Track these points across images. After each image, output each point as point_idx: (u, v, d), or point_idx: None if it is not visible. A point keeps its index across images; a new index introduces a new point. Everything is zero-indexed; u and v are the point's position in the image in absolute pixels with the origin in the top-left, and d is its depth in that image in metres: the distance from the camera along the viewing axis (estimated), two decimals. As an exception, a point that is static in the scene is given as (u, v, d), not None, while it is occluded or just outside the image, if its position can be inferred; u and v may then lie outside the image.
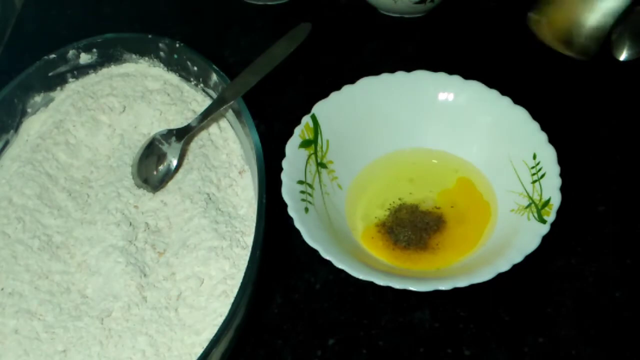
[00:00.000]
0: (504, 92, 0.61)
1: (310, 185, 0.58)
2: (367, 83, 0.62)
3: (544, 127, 0.58)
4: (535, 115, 0.59)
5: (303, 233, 0.53)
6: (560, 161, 0.56)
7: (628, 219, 0.62)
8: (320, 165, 0.60)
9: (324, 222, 0.57)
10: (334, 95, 0.62)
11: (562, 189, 0.55)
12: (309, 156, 0.60)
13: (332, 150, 0.61)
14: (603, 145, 0.67)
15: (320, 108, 0.61)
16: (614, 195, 0.63)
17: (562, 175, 0.56)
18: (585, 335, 0.55)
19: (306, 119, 0.60)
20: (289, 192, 0.56)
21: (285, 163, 0.57)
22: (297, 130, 0.60)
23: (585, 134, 0.68)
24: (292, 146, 0.59)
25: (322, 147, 0.61)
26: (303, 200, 0.56)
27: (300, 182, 0.58)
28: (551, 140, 0.57)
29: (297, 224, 0.54)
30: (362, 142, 0.63)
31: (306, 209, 0.56)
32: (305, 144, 0.60)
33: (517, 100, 0.60)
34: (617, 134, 0.67)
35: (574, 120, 0.68)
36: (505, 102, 0.60)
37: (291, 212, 0.54)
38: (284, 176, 0.57)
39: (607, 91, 0.71)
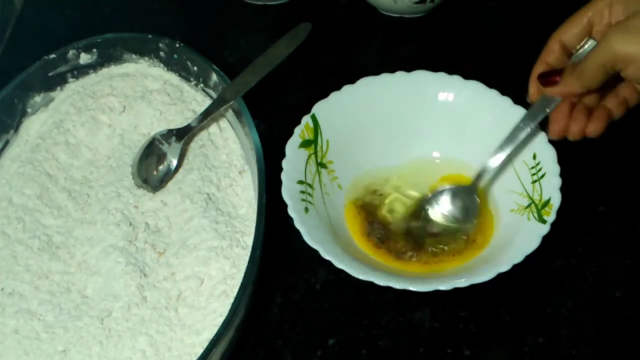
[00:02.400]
0: (503, 93, 0.61)
1: (310, 185, 0.58)
2: (367, 83, 0.62)
3: (544, 128, 0.58)
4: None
5: (303, 233, 0.53)
6: (560, 161, 0.56)
7: (628, 219, 0.62)
8: (320, 165, 0.60)
9: (324, 222, 0.57)
10: (334, 96, 0.62)
11: (562, 189, 0.55)
12: (309, 156, 0.59)
13: (332, 150, 0.61)
14: (603, 145, 0.67)
15: (320, 108, 0.61)
16: (614, 195, 0.63)
17: (562, 175, 0.56)
18: (585, 335, 0.55)
19: (306, 119, 0.60)
20: (289, 192, 0.56)
21: (285, 163, 0.57)
22: (297, 130, 0.60)
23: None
24: (292, 146, 0.59)
25: (322, 147, 0.61)
26: (303, 200, 0.56)
27: (300, 182, 0.57)
28: (551, 140, 0.57)
29: (297, 224, 0.54)
30: (362, 142, 0.63)
31: (306, 209, 0.56)
32: (305, 144, 0.60)
33: (517, 101, 0.60)
34: (617, 134, 0.67)
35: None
36: (505, 102, 0.60)
37: (291, 212, 0.54)
38: (284, 176, 0.57)
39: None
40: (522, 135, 0.56)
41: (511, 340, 0.56)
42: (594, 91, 0.53)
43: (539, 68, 0.55)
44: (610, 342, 0.55)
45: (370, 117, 0.63)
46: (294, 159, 0.58)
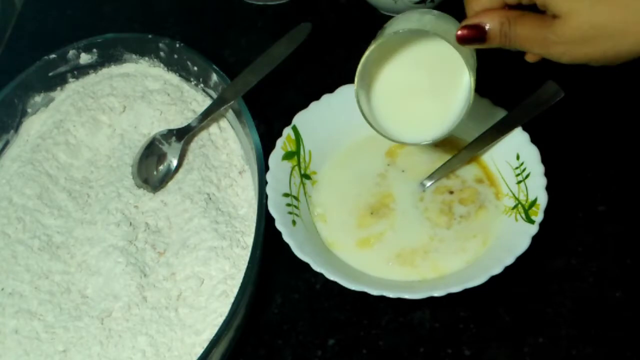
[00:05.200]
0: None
1: (296, 197, 0.57)
2: (346, 91, 0.61)
3: (526, 127, 0.58)
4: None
5: (292, 247, 0.52)
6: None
7: (628, 219, 0.62)
8: (304, 176, 0.59)
9: (311, 233, 0.56)
10: (313, 105, 0.61)
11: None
12: (293, 168, 0.59)
13: (314, 161, 0.60)
14: (603, 145, 0.67)
15: (300, 118, 0.60)
16: (614, 195, 0.63)
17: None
18: (585, 335, 0.55)
19: (287, 131, 0.59)
20: (274, 205, 0.55)
21: (269, 176, 0.56)
22: (279, 142, 0.59)
23: (585, 134, 0.67)
24: (275, 159, 0.58)
25: (304, 158, 0.60)
26: (290, 213, 0.56)
27: (286, 195, 0.57)
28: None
29: (286, 238, 0.53)
30: (344, 151, 0.61)
31: (293, 222, 0.55)
32: (288, 155, 0.59)
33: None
34: (617, 134, 0.67)
35: (573, 119, 0.68)
36: (485, 103, 0.60)
37: (279, 226, 0.53)
38: (269, 190, 0.55)
39: (606, 92, 0.71)
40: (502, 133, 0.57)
41: (511, 340, 0.56)
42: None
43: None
44: (610, 342, 0.55)
45: (351, 125, 0.62)
46: (277, 171, 0.57)
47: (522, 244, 0.51)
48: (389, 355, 0.55)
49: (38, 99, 0.64)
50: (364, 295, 0.58)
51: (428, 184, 0.59)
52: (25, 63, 0.63)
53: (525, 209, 0.54)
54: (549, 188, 0.55)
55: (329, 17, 0.79)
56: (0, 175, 0.61)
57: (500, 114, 0.59)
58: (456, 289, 0.50)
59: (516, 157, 0.57)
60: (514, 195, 0.57)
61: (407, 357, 0.55)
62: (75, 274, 0.56)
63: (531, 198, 0.55)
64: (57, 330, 0.52)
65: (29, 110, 0.64)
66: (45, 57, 0.64)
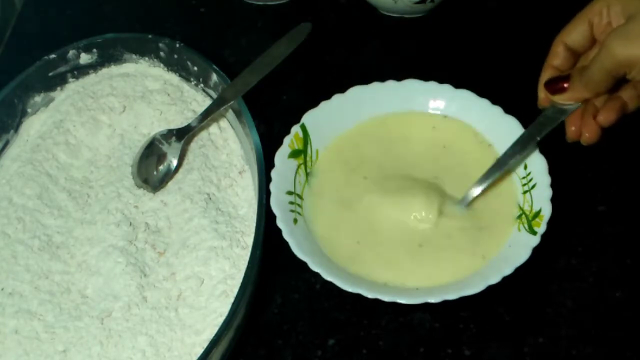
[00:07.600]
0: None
1: (300, 196, 0.58)
2: (357, 92, 0.62)
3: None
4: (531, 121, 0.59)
5: (291, 245, 0.52)
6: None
7: (628, 219, 0.62)
8: (310, 175, 0.60)
9: (312, 232, 0.56)
10: (323, 105, 0.61)
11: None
12: (299, 166, 0.59)
13: (321, 160, 0.60)
14: (603, 146, 0.67)
15: (309, 117, 0.60)
16: (614, 195, 0.63)
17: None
18: (585, 335, 0.55)
19: (295, 129, 0.60)
20: (277, 203, 0.55)
21: (274, 173, 0.56)
22: (287, 140, 0.59)
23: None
24: (281, 156, 0.58)
25: (311, 157, 0.60)
26: (292, 211, 0.56)
27: (289, 193, 0.57)
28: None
29: (286, 236, 0.53)
30: (352, 152, 0.62)
31: (295, 220, 0.55)
32: (294, 154, 0.59)
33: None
34: (617, 134, 0.67)
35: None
36: (495, 111, 0.60)
37: (279, 223, 0.53)
38: (272, 187, 0.56)
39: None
40: (532, 143, 0.55)
41: (511, 340, 0.56)
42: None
43: (546, 73, 0.54)
44: (611, 342, 0.55)
45: (361, 126, 0.62)
46: (282, 169, 0.57)
47: (522, 255, 0.51)
48: (389, 355, 0.55)
49: (38, 99, 0.64)
50: (363, 295, 0.58)
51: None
52: (25, 63, 0.63)
53: (529, 220, 0.54)
54: (548, 188, 0.55)
55: (329, 17, 0.79)
56: (0, 175, 0.61)
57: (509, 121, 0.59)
58: (452, 296, 0.50)
59: (524, 166, 0.57)
60: (518, 205, 0.56)
61: (407, 357, 0.55)
62: (75, 274, 0.56)
63: (535, 209, 0.54)
64: (57, 330, 0.52)
65: (29, 110, 0.64)
66: (45, 57, 0.63)
